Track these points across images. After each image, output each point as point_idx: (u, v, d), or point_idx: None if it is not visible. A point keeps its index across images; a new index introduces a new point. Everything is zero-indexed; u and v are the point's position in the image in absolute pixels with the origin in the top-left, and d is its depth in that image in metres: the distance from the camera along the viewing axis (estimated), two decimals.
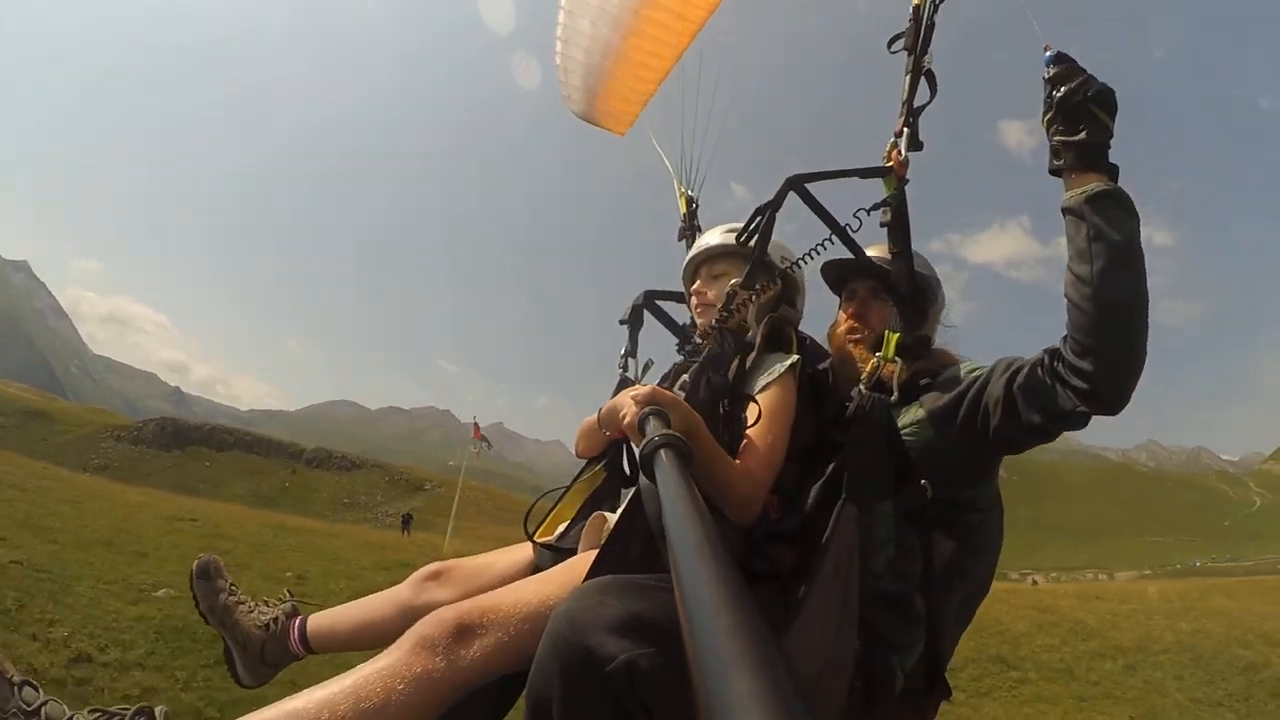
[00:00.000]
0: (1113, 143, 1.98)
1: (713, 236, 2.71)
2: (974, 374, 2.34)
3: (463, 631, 1.68)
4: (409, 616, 2.11)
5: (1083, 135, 1.96)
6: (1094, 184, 1.95)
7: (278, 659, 2.39)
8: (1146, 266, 1.95)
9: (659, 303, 3.23)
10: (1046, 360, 2.06)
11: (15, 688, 1.83)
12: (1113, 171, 1.96)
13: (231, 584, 2.47)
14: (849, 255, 2.59)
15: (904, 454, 2.28)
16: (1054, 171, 2.05)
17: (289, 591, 2.59)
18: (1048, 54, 2.06)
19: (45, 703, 1.84)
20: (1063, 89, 1.98)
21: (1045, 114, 2.04)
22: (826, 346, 2.78)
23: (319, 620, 2.40)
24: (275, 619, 2.40)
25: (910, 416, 2.43)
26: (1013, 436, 2.21)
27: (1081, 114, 1.97)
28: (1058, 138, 2.01)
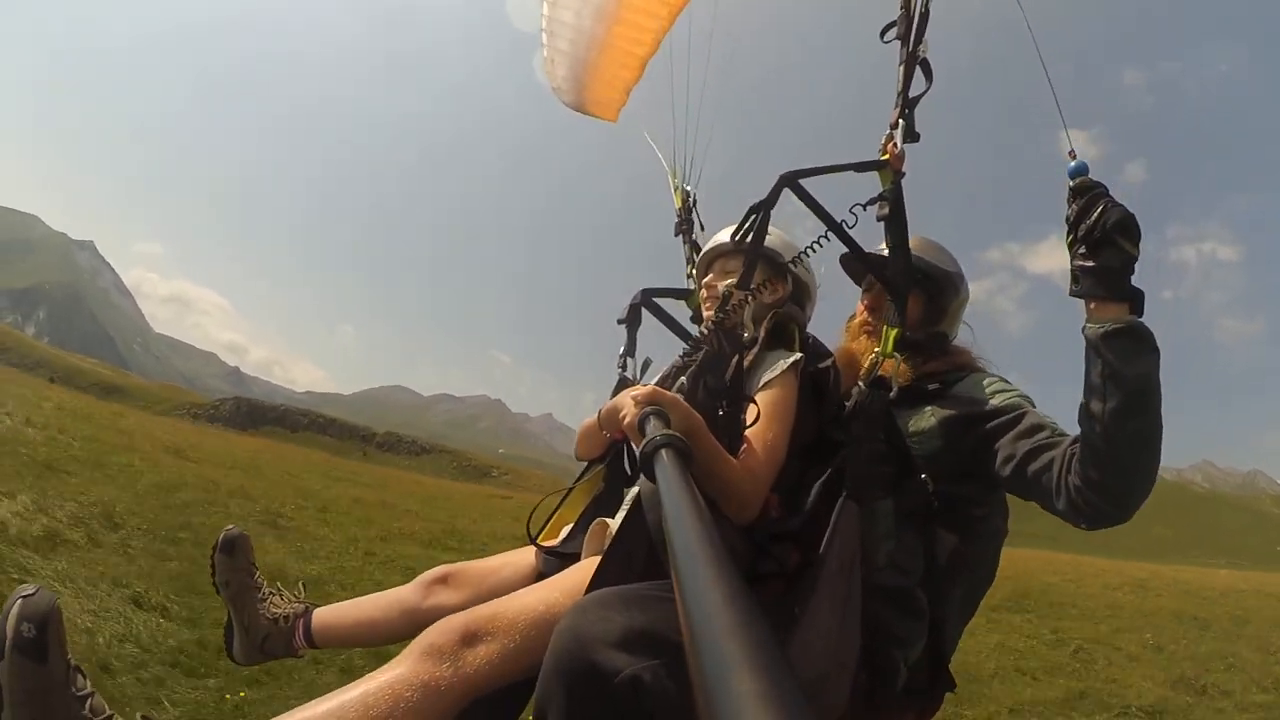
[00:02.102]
0: (1137, 265, 1.92)
1: (727, 233, 2.66)
2: (996, 400, 2.36)
3: (469, 639, 1.69)
4: (413, 619, 2.20)
5: (1103, 262, 1.90)
6: (1113, 316, 1.91)
7: (276, 652, 2.41)
8: (1162, 400, 1.92)
9: (657, 301, 3.18)
10: (1059, 468, 2.07)
11: (74, 671, 1.87)
12: (1136, 298, 1.91)
13: (253, 563, 2.50)
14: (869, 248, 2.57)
15: (905, 450, 2.31)
16: (1074, 295, 2.00)
17: (303, 586, 2.62)
18: (1072, 164, 2.02)
19: (92, 694, 1.90)
20: (1083, 225, 1.92)
21: (1067, 235, 1.99)
22: (844, 336, 2.85)
23: (323, 615, 2.41)
24: (286, 615, 2.41)
25: (921, 423, 2.45)
26: (1014, 494, 2.32)
27: (1103, 242, 1.90)
28: (1077, 262, 1.95)
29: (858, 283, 2.88)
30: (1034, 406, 2.35)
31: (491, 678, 1.68)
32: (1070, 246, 1.97)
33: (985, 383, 2.46)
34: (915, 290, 2.55)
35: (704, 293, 2.72)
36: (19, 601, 1.81)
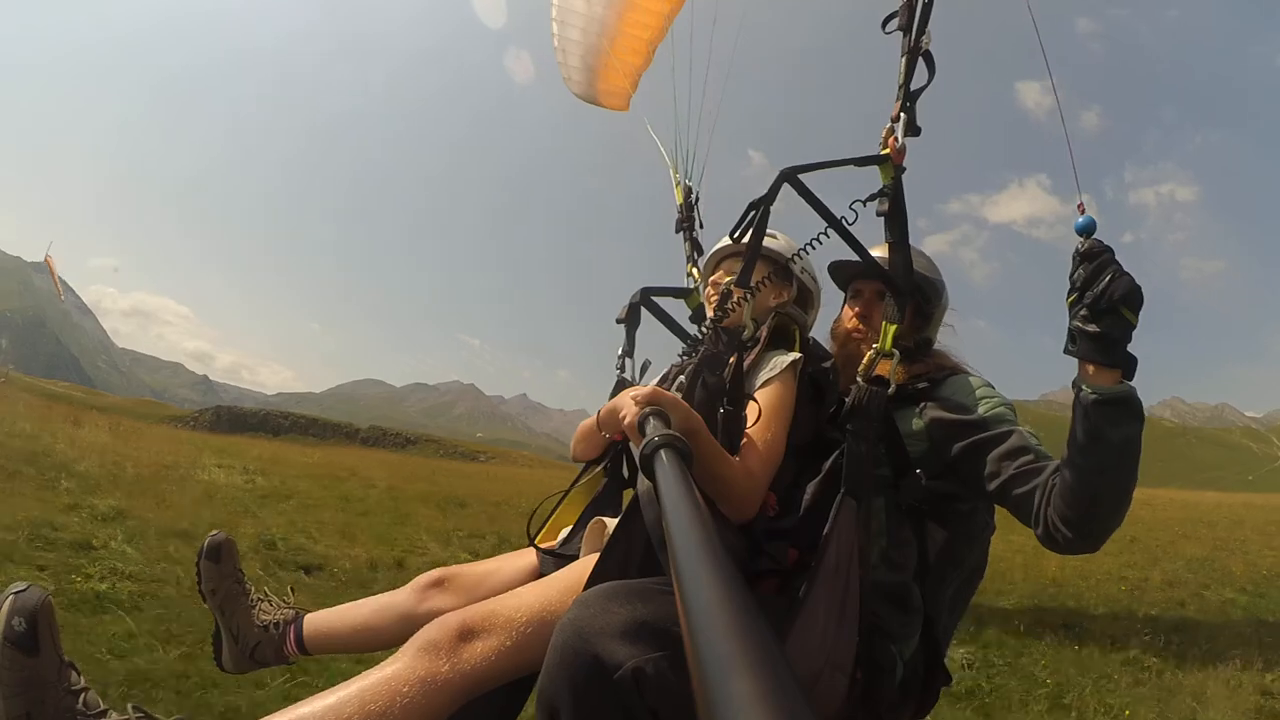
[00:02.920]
0: (1134, 334, 1.92)
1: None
2: (982, 408, 2.35)
3: (466, 635, 1.69)
4: (409, 623, 2.16)
5: (1105, 329, 1.90)
6: (1106, 383, 1.93)
7: (267, 659, 2.37)
8: (1145, 418, 1.96)
9: (656, 300, 3.18)
10: (1040, 499, 2.09)
11: (67, 667, 1.91)
12: (1129, 365, 1.92)
13: (239, 569, 2.45)
14: (854, 255, 2.52)
15: (901, 447, 2.34)
16: (1069, 354, 2.00)
17: (292, 590, 2.58)
18: (1079, 221, 2.00)
19: (86, 689, 1.93)
20: (1090, 291, 1.90)
21: (1069, 294, 1.97)
22: (830, 341, 2.79)
23: (316, 621, 2.37)
24: (276, 622, 2.37)
25: (911, 425, 2.42)
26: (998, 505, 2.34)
27: (1107, 311, 1.90)
28: (1078, 324, 1.94)
29: (843, 289, 2.87)
30: (1015, 415, 2.38)
31: (489, 674, 1.69)
32: (1071, 306, 1.96)
33: (971, 385, 2.47)
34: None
35: (709, 290, 2.71)
36: (10, 597, 1.87)
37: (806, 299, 2.68)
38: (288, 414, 56.49)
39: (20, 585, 1.92)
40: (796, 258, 2.53)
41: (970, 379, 2.51)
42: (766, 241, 2.43)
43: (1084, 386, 1.94)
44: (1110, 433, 1.90)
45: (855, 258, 2.45)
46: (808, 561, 1.99)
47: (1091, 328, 1.89)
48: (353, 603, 2.41)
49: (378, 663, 1.68)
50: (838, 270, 2.80)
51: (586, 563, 1.98)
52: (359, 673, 1.66)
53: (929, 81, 2.39)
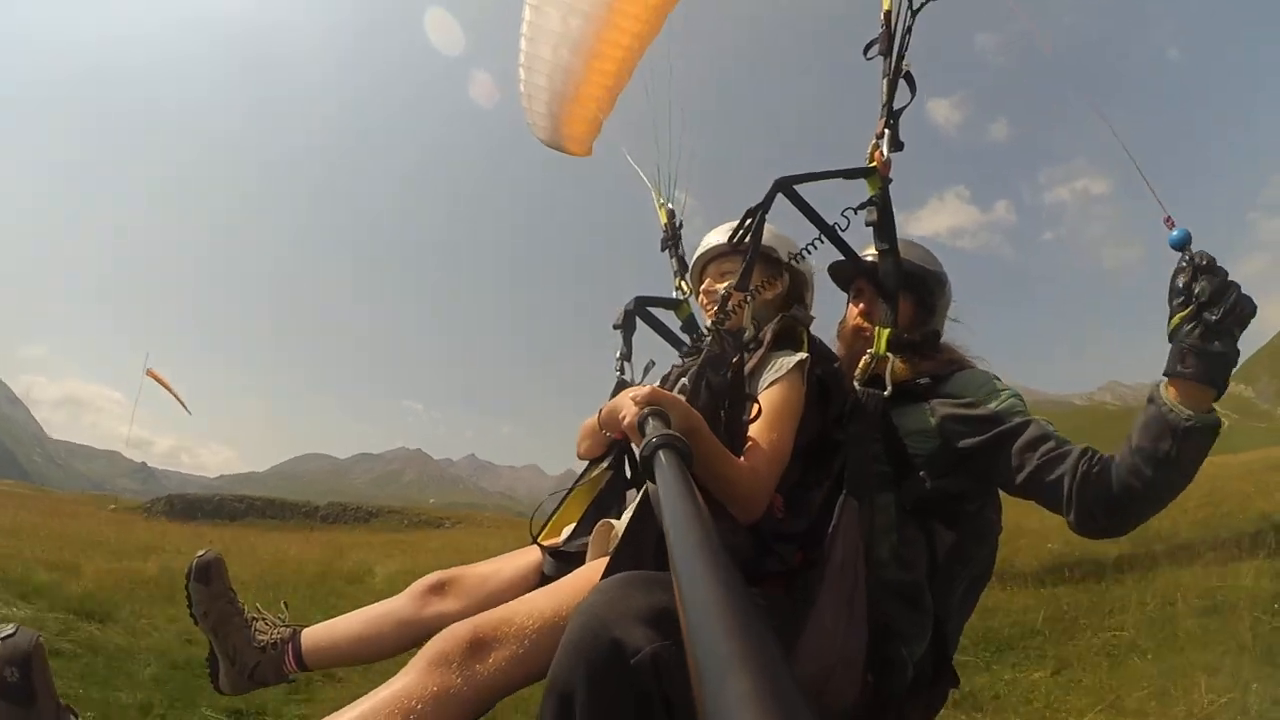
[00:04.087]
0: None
1: (716, 236, 2.68)
2: (993, 404, 2.35)
3: (478, 646, 1.66)
4: (410, 630, 2.13)
5: (1223, 349, 1.86)
6: (1203, 406, 1.91)
7: (267, 678, 2.31)
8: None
9: (651, 310, 3.24)
10: (1069, 483, 2.11)
11: (65, 712, 1.88)
12: (1225, 387, 1.89)
13: (231, 588, 2.39)
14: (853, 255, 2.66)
15: (902, 447, 2.37)
16: (1170, 373, 1.94)
17: (286, 605, 2.54)
18: (1175, 234, 1.95)
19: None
20: (1217, 308, 1.84)
21: (1180, 311, 1.91)
22: (836, 342, 2.81)
23: (315, 635, 2.32)
24: (274, 642, 2.31)
25: (919, 423, 2.42)
26: (1018, 497, 2.35)
27: (1225, 331, 1.85)
28: (1193, 343, 1.87)
29: (844, 289, 2.90)
30: (1025, 404, 2.38)
31: (503, 685, 1.66)
32: (1183, 323, 1.90)
33: (979, 379, 2.47)
34: (906, 291, 2.59)
35: (703, 299, 2.72)
36: None
37: (801, 283, 2.69)
38: (241, 497, 54.93)
39: (8, 629, 1.83)
40: (795, 259, 2.58)
41: (977, 373, 2.53)
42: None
43: (1181, 409, 1.91)
44: (1195, 457, 1.93)
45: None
46: (814, 561, 2.00)
47: (1215, 346, 1.86)
48: (350, 613, 2.35)
49: (379, 671, 1.63)
50: (838, 271, 2.84)
51: (595, 567, 1.95)
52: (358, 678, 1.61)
53: (911, 99, 2.56)
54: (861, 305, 2.76)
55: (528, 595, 1.93)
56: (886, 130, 2.53)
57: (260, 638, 2.31)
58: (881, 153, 2.51)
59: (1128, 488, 2.00)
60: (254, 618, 2.37)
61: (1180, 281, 1.91)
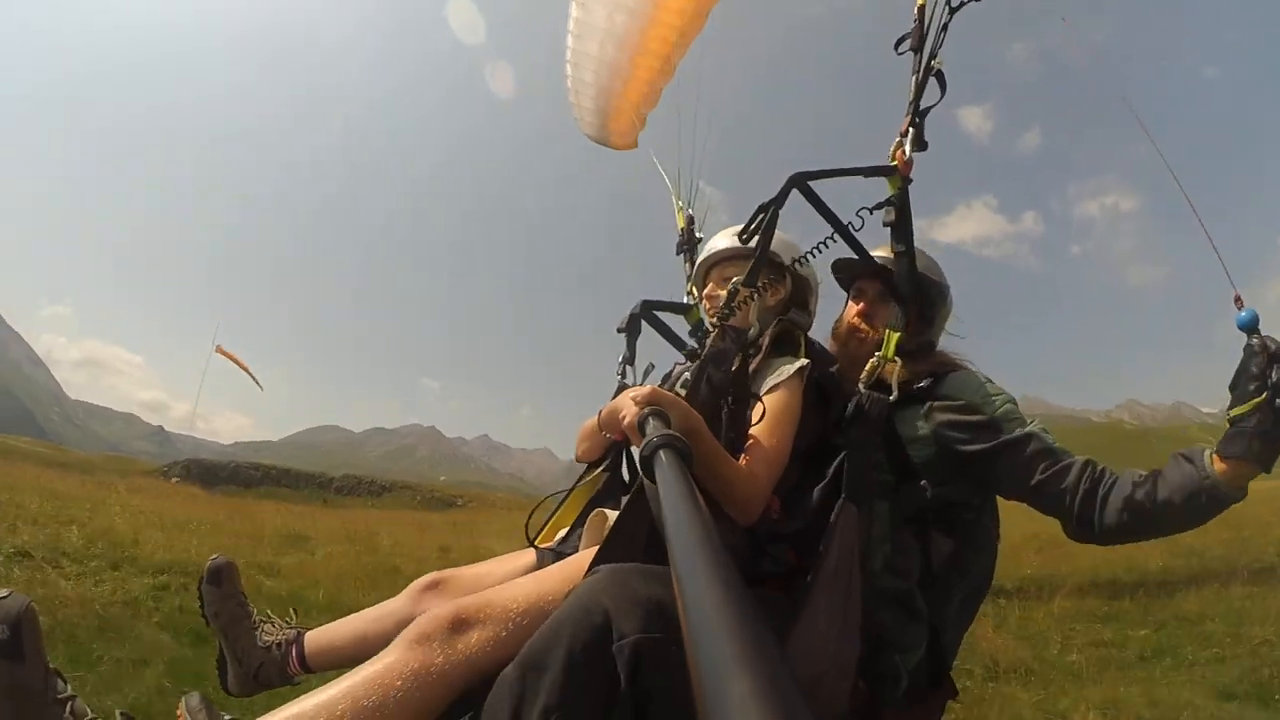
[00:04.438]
0: None
1: (721, 240, 2.66)
2: (988, 410, 2.35)
3: (458, 625, 1.68)
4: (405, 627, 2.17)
5: None
6: (1244, 484, 1.97)
7: (271, 680, 2.35)
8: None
9: (657, 313, 3.22)
10: (1071, 497, 2.19)
11: (52, 674, 1.94)
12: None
13: (241, 592, 2.45)
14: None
15: (903, 453, 2.35)
16: (1227, 455, 1.96)
17: (294, 611, 2.57)
18: (1243, 315, 1.98)
19: (73, 697, 1.95)
20: None
21: (1253, 399, 1.91)
22: (830, 340, 2.77)
23: (316, 639, 2.34)
24: (279, 643, 2.34)
25: (916, 429, 2.40)
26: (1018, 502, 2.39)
27: None
28: (1262, 428, 1.90)
29: (846, 289, 2.85)
30: (1019, 409, 2.39)
31: (483, 665, 1.65)
32: (1255, 410, 1.90)
33: (975, 382, 2.44)
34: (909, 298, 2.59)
35: (707, 303, 2.71)
36: None
37: (804, 289, 2.65)
38: (257, 465, 55.24)
39: (2, 592, 1.91)
40: (799, 262, 2.57)
41: (972, 376, 2.50)
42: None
43: (1229, 489, 1.97)
44: (1210, 515, 2.02)
45: (852, 256, 2.58)
46: (808, 565, 2.01)
47: (1271, 430, 1.89)
48: (351, 615, 2.40)
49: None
50: (843, 268, 2.80)
51: (584, 555, 1.99)
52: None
53: (939, 99, 2.52)
54: (862, 305, 2.71)
55: (514, 581, 1.96)
56: (911, 129, 2.49)
57: (266, 639, 2.36)
58: (904, 152, 2.47)
59: (1144, 512, 2.06)
60: (262, 620, 2.42)
61: (1255, 367, 1.91)
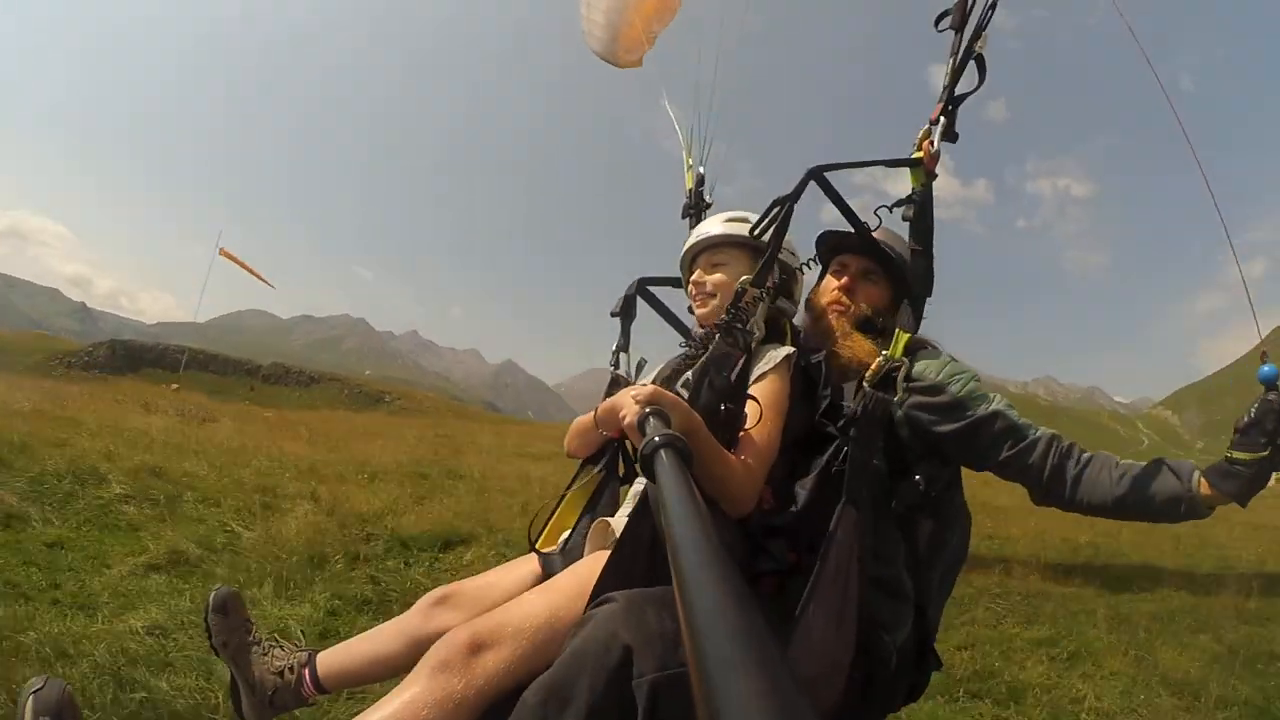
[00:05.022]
0: None
1: (714, 225, 2.56)
2: (954, 388, 2.33)
3: (476, 649, 1.71)
4: (419, 645, 2.10)
5: (1268, 482, 1.99)
6: (1219, 505, 2.06)
7: (287, 704, 2.33)
8: None
9: (653, 290, 3.07)
10: (1038, 472, 2.23)
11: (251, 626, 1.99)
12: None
13: (248, 620, 2.43)
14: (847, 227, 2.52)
15: (901, 449, 2.33)
16: (1218, 488, 2.03)
17: (303, 633, 2.51)
18: (1265, 369, 2.01)
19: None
20: None
21: (1258, 452, 1.97)
22: (802, 314, 2.70)
23: (329, 659, 2.32)
24: (290, 666, 2.32)
25: (891, 414, 2.35)
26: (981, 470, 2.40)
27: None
28: (1251, 472, 1.98)
29: (824, 264, 2.75)
30: (983, 386, 2.38)
31: (502, 684, 1.69)
32: (1258, 462, 1.97)
33: (939, 363, 2.40)
34: (886, 280, 2.58)
35: (691, 289, 2.59)
36: (30, 699, 1.81)
37: (789, 278, 2.55)
38: (183, 348, 54.32)
39: (37, 682, 1.90)
40: (804, 267, 2.56)
41: (936, 355, 2.46)
42: (740, 229, 2.46)
43: (1206, 506, 2.07)
44: (1184, 521, 2.13)
45: (841, 229, 2.53)
46: (806, 564, 2.00)
47: (1269, 482, 1.99)
48: (362, 634, 2.39)
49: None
50: (826, 239, 2.69)
51: (592, 566, 1.97)
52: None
53: (978, 86, 2.35)
54: (845, 280, 2.63)
55: (523, 595, 1.98)
56: (943, 117, 2.34)
57: (277, 664, 2.33)
58: (932, 143, 2.34)
59: (1113, 497, 2.14)
60: (271, 645, 2.39)
61: (1270, 424, 1.97)
